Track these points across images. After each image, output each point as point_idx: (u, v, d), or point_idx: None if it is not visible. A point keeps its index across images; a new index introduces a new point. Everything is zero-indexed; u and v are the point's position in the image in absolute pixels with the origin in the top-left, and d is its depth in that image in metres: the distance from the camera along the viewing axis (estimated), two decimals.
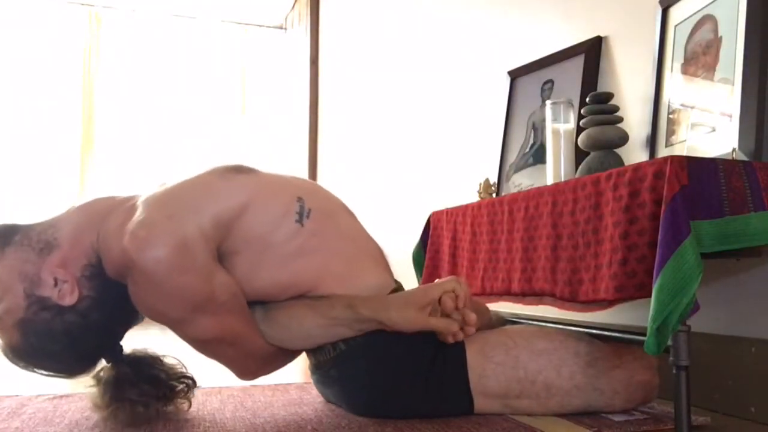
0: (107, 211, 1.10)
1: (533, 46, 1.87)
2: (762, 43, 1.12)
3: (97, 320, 1.10)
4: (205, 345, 1.12)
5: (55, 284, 1.07)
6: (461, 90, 2.31)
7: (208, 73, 5.21)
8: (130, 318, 1.16)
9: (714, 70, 1.22)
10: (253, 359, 1.15)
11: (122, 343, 1.21)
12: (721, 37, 1.21)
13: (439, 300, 1.11)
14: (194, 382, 1.22)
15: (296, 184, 1.21)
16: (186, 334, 1.10)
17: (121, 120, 4.97)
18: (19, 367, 1.11)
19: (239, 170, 1.17)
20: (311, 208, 1.15)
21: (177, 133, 5.10)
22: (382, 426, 1.08)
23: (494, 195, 1.78)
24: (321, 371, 1.18)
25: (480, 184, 1.76)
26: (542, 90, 1.77)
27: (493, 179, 1.85)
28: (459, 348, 1.12)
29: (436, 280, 1.17)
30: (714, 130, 1.20)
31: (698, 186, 0.94)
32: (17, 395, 1.37)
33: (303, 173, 4.58)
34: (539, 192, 1.27)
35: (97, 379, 1.14)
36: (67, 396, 1.36)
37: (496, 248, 1.43)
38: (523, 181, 1.77)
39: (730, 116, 1.15)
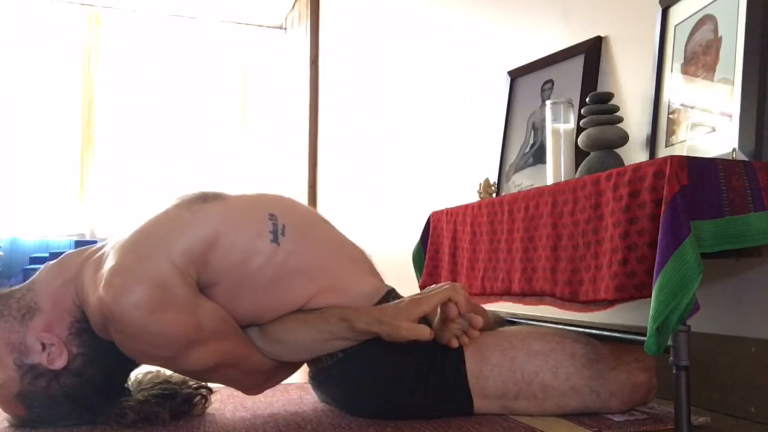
0: (80, 264, 1.08)
1: (533, 46, 1.87)
2: (762, 43, 1.12)
3: (93, 375, 1.07)
4: (204, 373, 1.09)
5: (44, 349, 1.04)
6: (461, 90, 2.31)
7: (208, 73, 5.22)
8: (128, 363, 1.12)
9: (714, 70, 1.22)
10: (256, 376, 1.14)
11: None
12: (721, 37, 1.21)
13: (441, 307, 1.11)
14: (209, 389, 1.22)
15: (267, 201, 1.17)
16: (183, 369, 1.07)
17: (121, 119, 4.98)
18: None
19: (205, 199, 1.11)
20: (285, 223, 1.12)
21: (177, 132, 5.10)
22: (382, 426, 1.08)
23: (494, 195, 1.78)
24: (320, 377, 1.18)
25: (480, 184, 1.76)
26: (542, 90, 1.77)
27: (493, 179, 1.85)
28: (457, 350, 1.12)
29: (431, 286, 1.15)
30: (714, 130, 1.20)
31: (698, 186, 0.94)
32: None
33: (303, 173, 4.59)
34: (539, 192, 1.27)
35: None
36: None
37: (496, 248, 1.43)
38: (523, 181, 1.77)
39: (730, 116, 1.15)
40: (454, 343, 1.10)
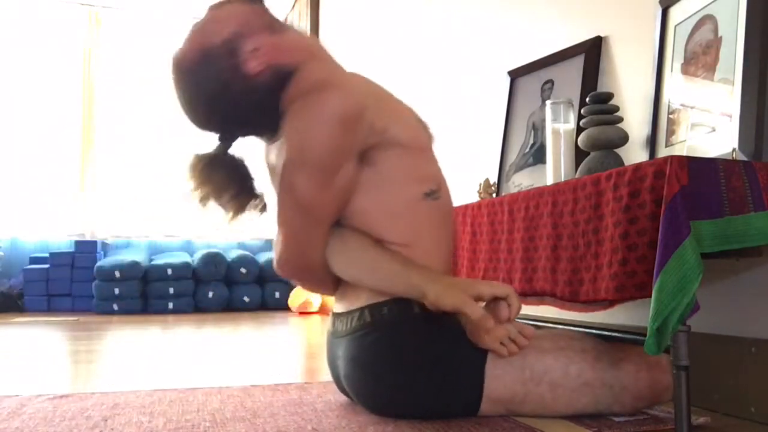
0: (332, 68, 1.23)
1: (533, 46, 1.87)
2: (762, 43, 1.12)
3: (248, 100, 1.16)
4: (289, 201, 1.15)
5: (253, 51, 1.14)
6: (461, 90, 2.31)
7: None
8: (262, 127, 1.22)
9: (714, 70, 1.22)
10: (302, 250, 1.18)
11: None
12: (721, 37, 1.21)
13: (493, 305, 1.09)
14: (265, 204, 1.26)
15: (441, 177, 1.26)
16: (288, 179, 1.13)
17: (121, 120, 4.98)
18: (175, 83, 1.21)
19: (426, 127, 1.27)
20: (443, 195, 1.21)
21: (176, 132, 5.10)
22: (383, 426, 1.08)
23: (494, 195, 1.79)
24: (349, 336, 1.16)
25: (480, 184, 1.76)
26: (542, 90, 1.77)
27: (493, 179, 1.85)
28: (481, 354, 1.10)
29: (486, 281, 1.13)
30: (714, 130, 1.20)
31: (698, 186, 0.94)
32: (17, 395, 1.37)
33: None
34: (539, 192, 1.27)
35: (198, 155, 1.20)
36: (67, 396, 1.36)
37: (496, 248, 1.43)
38: (523, 181, 1.77)
39: (730, 116, 1.15)
40: (503, 352, 1.08)
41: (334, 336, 1.23)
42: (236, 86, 1.15)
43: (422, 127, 1.23)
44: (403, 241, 1.14)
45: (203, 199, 1.19)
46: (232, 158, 1.23)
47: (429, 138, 1.24)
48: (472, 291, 1.05)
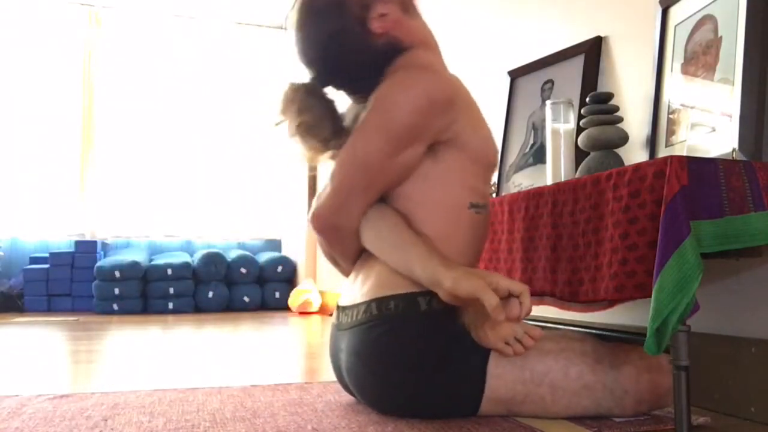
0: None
1: (533, 46, 1.87)
2: (762, 43, 1.12)
3: (359, 52, 1.24)
4: (353, 157, 1.19)
5: (381, 15, 1.24)
6: None
7: (207, 72, 5.22)
8: (359, 83, 1.27)
9: (714, 70, 1.22)
10: (342, 208, 1.21)
11: None
12: (721, 37, 1.21)
13: (504, 302, 1.06)
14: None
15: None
16: (362, 136, 1.18)
17: (121, 120, 4.98)
18: (298, 20, 1.27)
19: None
20: (485, 215, 1.24)
21: (176, 132, 5.10)
22: (383, 426, 1.08)
23: (494, 195, 1.78)
24: (354, 329, 1.16)
25: None
26: (542, 90, 1.77)
27: (493, 179, 1.85)
28: (483, 353, 1.10)
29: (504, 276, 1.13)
30: (714, 130, 1.20)
31: (698, 186, 0.94)
32: (17, 395, 1.37)
33: (303, 172, 4.59)
34: (539, 192, 1.27)
35: (288, 90, 1.27)
36: (67, 396, 1.36)
37: (496, 248, 1.43)
38: (523, 181, 1.77)
39: (730, 116, 1.15)
40: (508, 351, 1.07)
41: (338, 329, 1.23)
42: (354, 36, 1.23)
43: (493, 151, 1.27)
44: (433, 237, 1.16)
45: (299, 128, 1.24)
46: (325, 93, 1.30)
47: (494, 163, 1.28)
48: (490, 279, 1.04)
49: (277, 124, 1.28)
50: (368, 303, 1.15)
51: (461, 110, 1.19)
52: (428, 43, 1.30)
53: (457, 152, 1.20)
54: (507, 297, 1.03)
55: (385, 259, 1.17)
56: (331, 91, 1.31)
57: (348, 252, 1.27)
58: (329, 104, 1.28)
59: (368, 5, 1.24)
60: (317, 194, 1.27)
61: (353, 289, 1.22)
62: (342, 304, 1.24)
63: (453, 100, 1.17)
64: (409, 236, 1.14)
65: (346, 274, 1.31)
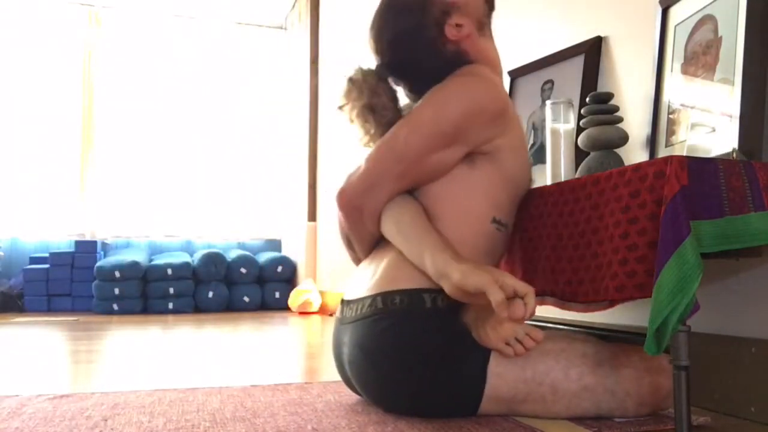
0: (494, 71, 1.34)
1: (533, 46, 1.87)
2: (762, 43, 1.12)
3: (426, 52, 1.30)
4: (392, 144, 1.22)
5: (455, 27, 1.29)
6: None
7: (207, 72, 5.22)
8: (420, 81, 1.31)
9: (714, 70, 1.22)
10: (369, 191, 1.24)
11: None
12: (721, 37, 1.21)
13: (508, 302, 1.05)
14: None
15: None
16: (406, 126, 1.22)
17: (121, 120, 4.98)
18: (380, 9, 1.37)
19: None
20: (505, 234, 1.27)
21: (176, 132, 5.11)
22: (383, 426, 1.08)
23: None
24: (358, 322, 1.16)
25: None
26: (542, 90, 1.77)
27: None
28: (485, 351, 1.09)
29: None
30: (714, 130, 1.20)
31: (698, 186, 0.94)
32: (17, 395, 1.37)
33: (303, 173, 4.59)
34: (539, 192, 1.27)
35: (357, 74, 1.33)
36: (67, 396, 1.36)
37: None
38: None
39: (730, 116, 1.15)
40: (509, 351, 1.07)
41: (341, 323, 1.24)
42: (429, 36, 1.29)
43: (528, 177, 1.31)
44: (452, 241, 1.16)
45: (365, 108, 1.29)
46: (388, 80, 1.35)
47: (526, 189, 1.30)
48: (497, 276, 1.03)
49: (341, 107, 1.33)
50: (374, 297, 1.15)
51: (507, 128, 1.23)
52: (493, 63, 1.34)
53: (493, 167, 1.23)
54: (512, 297, 1.02)
55: (398, 246, 1.18)
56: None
57: (365, 236, 1.29)
58: (394, 92, 1.33)
59: (449, 12, 1.30)
60: (349, 173, 1.29)
61: (360, 282, 1.23)
62: (347, 298, 1.25)
63: (503, 115, 1.21)
64: (427, 228, 1.16)
65: (357, 261, 1.33)
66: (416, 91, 1.32)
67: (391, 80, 1.35)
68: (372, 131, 1.30)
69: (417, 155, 1.20)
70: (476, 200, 1.22)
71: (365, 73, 1.32)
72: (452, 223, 1.20)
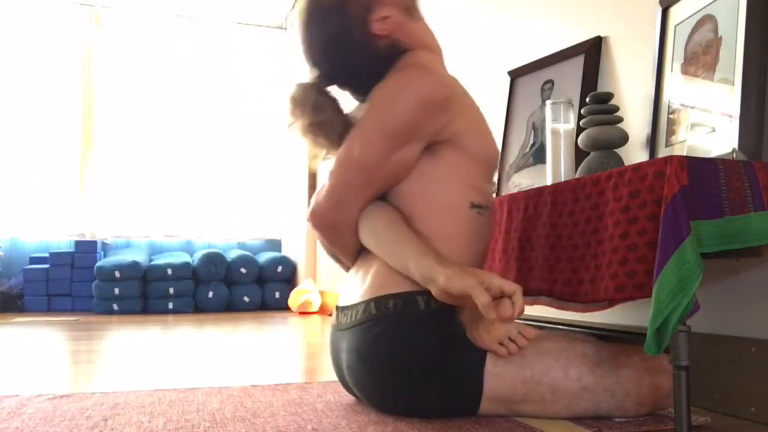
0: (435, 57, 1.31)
1: (533, 46, 1.87)
2: (762, 43, 1.12)
3: (360, 52, 1.26)
4: (349, 155, 1.20)
5: (383, 18, 1.26)
6: None
7: (207, 72, 5.22)
8: (360, 83, 1.29)
9: (714, 70, 1.22)
10: (339, 206, 1.22)
11: None
12: (721, 37, 1.21)
13: (496, 302, 1.05)
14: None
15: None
16: (358, 135, 1.20)
17: (121, 120, 4.98)
18: (304, 19, 1.30)
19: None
20: (487, 216, 1.24)
21: (176, 132, 5.10)
22: (383, 426, 1.08)
23: (494, 195, 1.78)
24: (354, 328, 1.16)
25: None
26: (542, 90, 1.77)
27: (494, 179, 1.85)
28: (481, 352, 1.09)
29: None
30: (714, 130, 1.20)
31: (698, 186, 0.94)
32: (17, 395, 1.37)
33: (303, 173, 4.59)
34: (539, 192, 1.27)
35: (297, 92, 1.28)
36: (67, 396, 1.36)
37: (492, 247, 1.43)
38: (523, 181, 1.77)
39: (730, 116, 1.15)
40: (502, 351, 1.07)
41: (337, 329, 1.23)
42: (356, 38, 1.25)
43: (493, 151, 1.27)
44: (434, 236, 1.16)
45: (312, 126, 1.26)
46: (331, 92, 1.31)
47: (495, 162, 1.29)
48: (482, 278, 1.03)
49: (290, 125, 1.30)
50: (367, 302, 1.15)
51: (459, 110, 1.20)
52: (430, 46, 1.31)
53: (457, 152, 1.20)
54: (500, 297, 1.02)
55: (381, 255, 1.17)
56: (334, 90, 1.32)
57: (348, 248, 1.27)
58: (336, 103, 1.29)
59: (369, 8, 1.26)
60: (316, 191, 1.28)
61: (352, 289, 1.22)
62: (341, 304, 1.24)
63: (449, 100, 1.18)
64: (404, 233, 1.14)
65: (347, 270, 1.32)
66: (362, 92, 1.30)
67: (336, 87, 1.32)
68: (325, 146, 1.27)
69: (376, 162, 1.18)
70: (450, 190, 1.20)
71: (305, 89, 1.28)
72: (432, 219, 1.18)
